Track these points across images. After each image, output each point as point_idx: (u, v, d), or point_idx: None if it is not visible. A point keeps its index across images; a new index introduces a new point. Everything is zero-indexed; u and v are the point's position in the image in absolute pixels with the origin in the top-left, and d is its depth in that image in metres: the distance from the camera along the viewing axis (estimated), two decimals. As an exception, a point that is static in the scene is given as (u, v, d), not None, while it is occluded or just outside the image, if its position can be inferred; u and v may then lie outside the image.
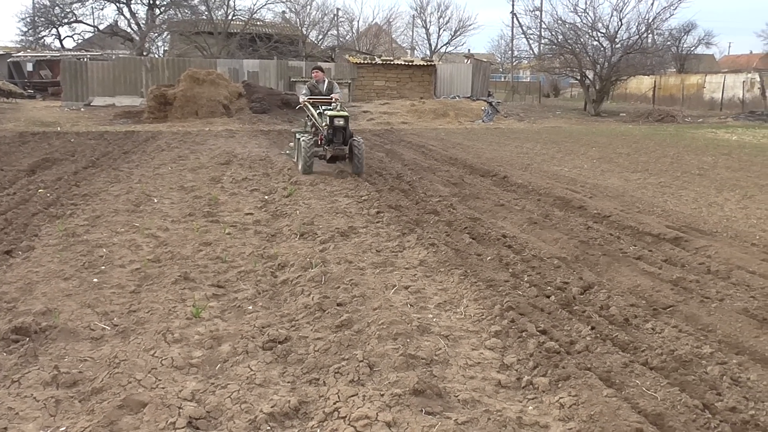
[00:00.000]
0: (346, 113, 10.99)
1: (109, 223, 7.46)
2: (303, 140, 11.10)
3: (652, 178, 11.90)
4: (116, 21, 42.34)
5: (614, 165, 13.73)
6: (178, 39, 38.19)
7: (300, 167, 11.14)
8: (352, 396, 3.48)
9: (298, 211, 8.16)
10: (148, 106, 23.06)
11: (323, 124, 10.90)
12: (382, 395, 3.46)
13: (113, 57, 33.48)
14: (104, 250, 6.38)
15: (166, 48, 43.82)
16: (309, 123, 11.86)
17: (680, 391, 3.60)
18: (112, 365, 3.85)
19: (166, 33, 42.36)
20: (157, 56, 39.56)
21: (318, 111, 11.37)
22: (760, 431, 3.27)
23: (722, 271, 5.87)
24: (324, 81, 12.14)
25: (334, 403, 3.43)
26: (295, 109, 25.21)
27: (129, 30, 41.23)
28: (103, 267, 5.84)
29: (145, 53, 38.10)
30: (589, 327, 4.51)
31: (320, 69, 12.41)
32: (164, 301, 4.99)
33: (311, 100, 11.66)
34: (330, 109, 11.02)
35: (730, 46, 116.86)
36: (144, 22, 40.33)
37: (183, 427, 3.19)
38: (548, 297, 5.17)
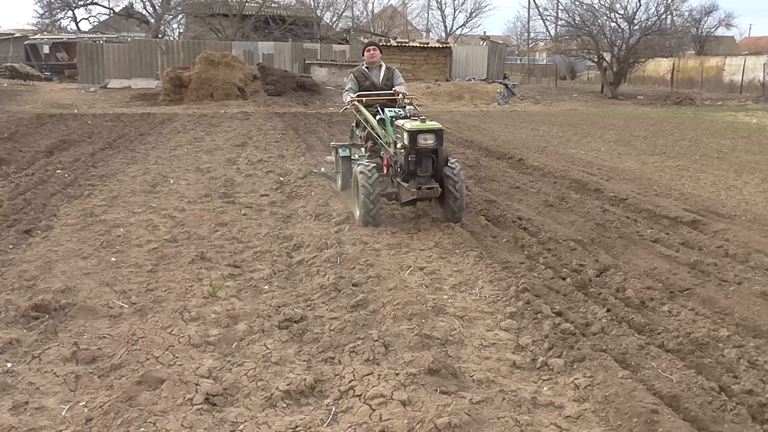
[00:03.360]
0: (437, 124, 6.49)
1: (126, 204, 7.52)
2: (362, 169, 6.63)
3: (669, 161, 11.78)
4: (132, 3, 42.41)
5: (631, 148, 13.59)
6: (193, 21, 38.13)
7: (359, 216, 6.69)
8: (368, 375, 3.50)
9: (313, 193, 8.18)
10: (163, 88, 23.14)
11: (397, 144, 6.60)
12: (397, 374, 3.47)
13: (129, 39, 33.54)
14: (122, 229, 6.44)
15: (181, 30, 43.83)
16: (361, 133, 7.95)
17: (696, 373, 3.58)
18: (131, 342, 3.90)
19: (181, 15, 42.32)
20: (172, 38, 39.62)
21: (379, 117, 7.22)
22: (777, 414, 3.25)
23: (740, 255, 5.81)
24: (381, 66, 7.97)
25: (350, 382, 3.46)
26: (309, 90, 25.18)
27: (144, 12, 41.31)
28: (120, 246, 5.90)
29: (160, 35, 38.15)
30: (605, 309, 4.49)
31: (377, 47, 8.10)
32: (181, 281, 5.03)
33: (363, 99, 7.54)
34: (404, 117, 6.76)
35: (750, 28, 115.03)
36: (159, 4, 40.32)
37: (200, 404, 3.23)
38: (564, 279, 5.15)
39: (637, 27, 32.45)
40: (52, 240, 6.06)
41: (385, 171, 7.02)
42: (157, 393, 3.33)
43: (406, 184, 6.51)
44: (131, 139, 13.34)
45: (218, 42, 31.13)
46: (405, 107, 7.03)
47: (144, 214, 7.10)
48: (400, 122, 6.64)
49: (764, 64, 34.69)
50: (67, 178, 8.84)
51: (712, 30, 52.96)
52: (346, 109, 7.94)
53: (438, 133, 6.42)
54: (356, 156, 8.05)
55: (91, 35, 38.90)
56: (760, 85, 33.71)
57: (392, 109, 7.13)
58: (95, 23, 45.09)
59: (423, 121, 6.46)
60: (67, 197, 7.76)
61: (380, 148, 7.25)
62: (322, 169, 9.26)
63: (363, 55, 8.07)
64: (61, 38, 39.00)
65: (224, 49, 27.32)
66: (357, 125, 8.18)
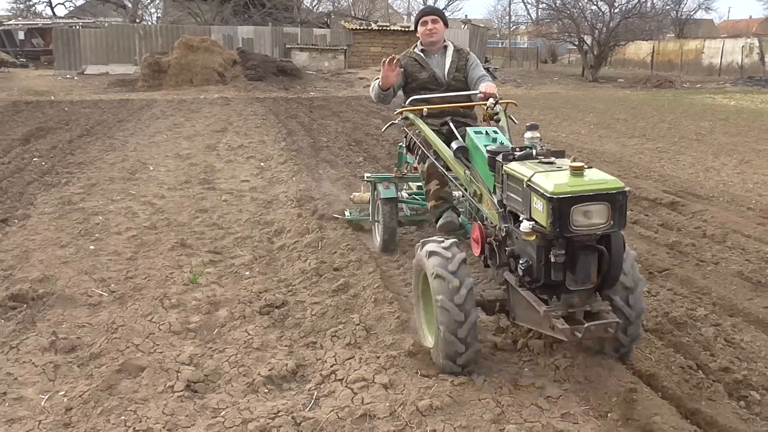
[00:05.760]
0: (613, 180, 2.94)
1: (104, 191, 7.44)
2: (438, 263, 3.29)
3: (649, 143, 11.86)
4: (108, -13, 41.67)
5: (612, 130, 13.67)
6: (171, 5, 37.55)
7: (439, 354, 3.28)
8: (349, 359, 3.51)
9: (294, 178, 8.13)
10: (142, 74, 22.85)
11: (521, 220, 3.15)
12: (378, 357, 3.48)
13: (106, 24, 33.03)
14: (100, 217, 6.37)
15: (159, 15, 43.21)
16: (419, 164, 4.75)
17: (674, 352, 3.63)
18: (110, 331, 3.87)
19: (158, -1, 41.73)
20: (150, 23, 39.06)
21: (457, 145, 4.10)
22: (752, 390, 3.30)
23: (718, 235, 5.88)
24: (445, 47, 5.01)
25: (331, 366, 3.46)
26: (290, 75, 24.92)
27: (121, -4, 40.64)
28: (99, 234, 5.84)
29: (138, 20, 37.60)
30: (585, 290, 4.51)
31: (438, 17, 4.94)
32: (161, 268, 5.00)
33: (424, 108, 4.61)
34: (527, 154, 3.35)
35: (729, 11, 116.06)
36: (136, -12, 39.69)
37: (181, 391, 3.22)
38: (544, 261, 5.17)
39: (617, 10, 32.59)
40: (29, 229, 5.98)
41: (476, 252, 3.85)
42: (137, 381, 3.31)
43: (536, 303, 3.17)
44: (109, 125, 13.16)
45: (197, 27, 30.72)
46: (498, 122, 4.34)
47: (123, 201, 7.02)
48: (519, 170, 3.20)
49: (742, 47, 35.03)
50: (44, 166, 8.72)
51: (691, 13, 53.38)
52: (392, 124, 5.14)
53: (616, 200, 2.92)
54: (405, 195, 5.59)
55: (67, 20, 38.19)
56: (738, 68, 34.03)
57: (481, 129, 4.13)
58: (71, 8, 44.32)
59: (579, 171, 2.96)
60: (44, 185, 7.65)
61: (451, 195, 4.57)
62: (347, 213, 6.08)
63: (416, 30, 5.03)
64: (37, 24, 38.26)
65: (203, 33, 26.95)
66: (410, 148, 5.06)
